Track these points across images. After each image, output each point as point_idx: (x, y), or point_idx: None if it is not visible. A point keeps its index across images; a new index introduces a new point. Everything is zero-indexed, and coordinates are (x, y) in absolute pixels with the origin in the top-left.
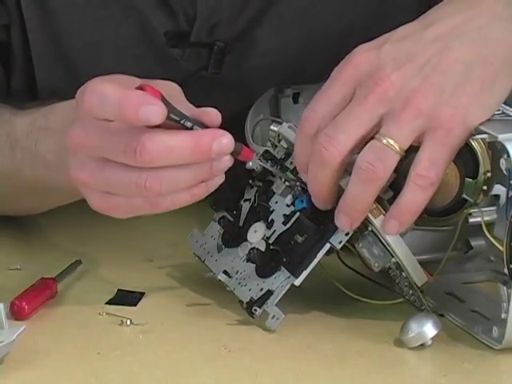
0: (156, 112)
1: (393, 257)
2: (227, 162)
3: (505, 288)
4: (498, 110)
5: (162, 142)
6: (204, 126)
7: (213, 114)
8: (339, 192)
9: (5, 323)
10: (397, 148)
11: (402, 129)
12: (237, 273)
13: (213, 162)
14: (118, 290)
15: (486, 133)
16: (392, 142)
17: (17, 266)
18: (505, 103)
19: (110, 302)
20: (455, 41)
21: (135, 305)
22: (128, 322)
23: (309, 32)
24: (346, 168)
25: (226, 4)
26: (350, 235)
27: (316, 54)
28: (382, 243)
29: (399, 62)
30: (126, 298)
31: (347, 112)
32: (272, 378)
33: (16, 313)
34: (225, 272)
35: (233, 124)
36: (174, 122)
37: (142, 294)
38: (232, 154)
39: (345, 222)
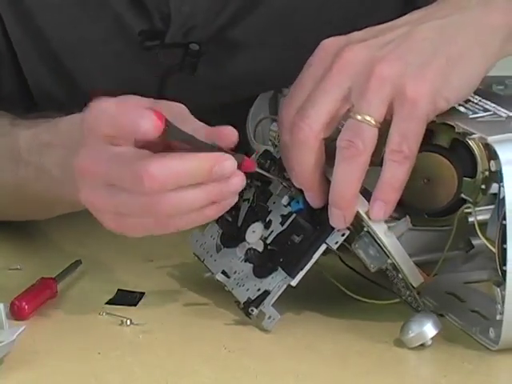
0: (152, 124)
1: (388, 257)
2: (238, 185)
3: (498, 289)
4: (490, 111)
5: (169, 168)
6: (208, 145)
7: (227, 132)
8: None
9: (5, 323)
10: (372, 121)
11: (371, 101)
12: (235, 273)
13: (223, 184)
14: (118, 290)
15: (477, 134)
16: (367, 117)
17: (17, 266)
18: (498, 103)
19: (109, 302)
20: (421, 25)
21: (135, 305)
22: (128, 321)
23: (288, 33)
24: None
25: (201, 9)
26: (345, 236)
27: (296, 54)
28: (378, 244)
29: (365, 38)
30: (126, 297)
31: (316, 88)
32: (272, 378)
33: (16, 313)
34: (223, 272)
35: (219, 122)
36: (179, 142)
37: (142, 294)
38: None
39: (337, 217)
